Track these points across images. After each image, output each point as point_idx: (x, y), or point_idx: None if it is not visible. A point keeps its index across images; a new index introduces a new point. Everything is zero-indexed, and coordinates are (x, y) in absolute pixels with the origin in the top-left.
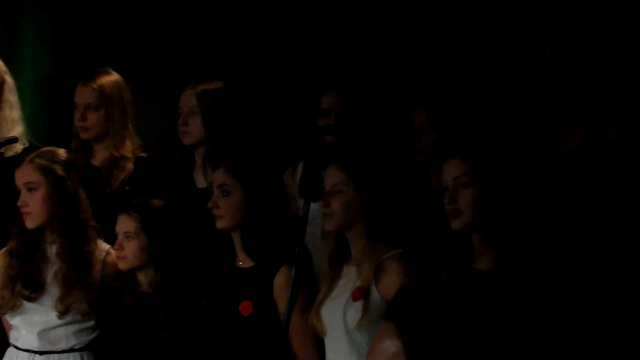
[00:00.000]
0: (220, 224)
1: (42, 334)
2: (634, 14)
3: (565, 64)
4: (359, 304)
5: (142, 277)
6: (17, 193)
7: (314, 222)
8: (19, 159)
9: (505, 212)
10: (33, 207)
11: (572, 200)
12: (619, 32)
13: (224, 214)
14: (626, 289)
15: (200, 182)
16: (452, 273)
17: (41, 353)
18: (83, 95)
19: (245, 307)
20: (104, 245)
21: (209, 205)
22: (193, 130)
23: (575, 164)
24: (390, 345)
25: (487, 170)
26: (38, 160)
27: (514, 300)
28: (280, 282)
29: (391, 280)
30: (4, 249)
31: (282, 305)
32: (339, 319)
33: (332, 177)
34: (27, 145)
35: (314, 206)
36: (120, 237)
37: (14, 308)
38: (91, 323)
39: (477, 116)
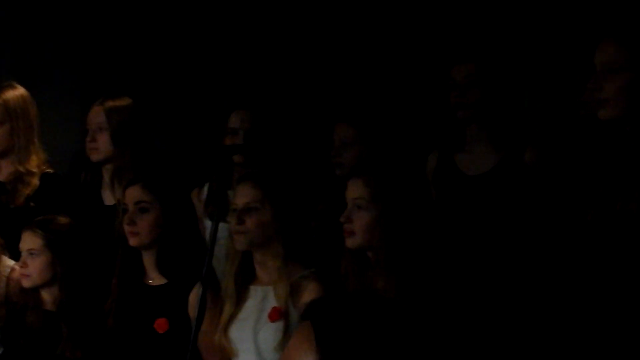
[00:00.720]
0: (135, 241)
1: None
2: (548, 36)
3: (480, 86)
4: (275, 325)
5: (46, 295)
6: None
7: (217, 242)
8: None
9: (399, 237)
10: None
11: (486, 222)
12: (532, 53)
13: (141, 230)
14: (531, 315)
15: (108, 200)
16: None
17: None
18: None
19: (160, 325)
20: (8, 262)
21: (125, 222)
22: (101, 146)
23: (490, 185)
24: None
25: (384, 196)
26: None
27: (409, 324)
28: (195, 299)
29: (309, 300)
30: None
31: None
32: (249, 340)
33: (246, 195)
34: None
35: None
36: (24, 255)
37: None
38: None
39: (387, 137)
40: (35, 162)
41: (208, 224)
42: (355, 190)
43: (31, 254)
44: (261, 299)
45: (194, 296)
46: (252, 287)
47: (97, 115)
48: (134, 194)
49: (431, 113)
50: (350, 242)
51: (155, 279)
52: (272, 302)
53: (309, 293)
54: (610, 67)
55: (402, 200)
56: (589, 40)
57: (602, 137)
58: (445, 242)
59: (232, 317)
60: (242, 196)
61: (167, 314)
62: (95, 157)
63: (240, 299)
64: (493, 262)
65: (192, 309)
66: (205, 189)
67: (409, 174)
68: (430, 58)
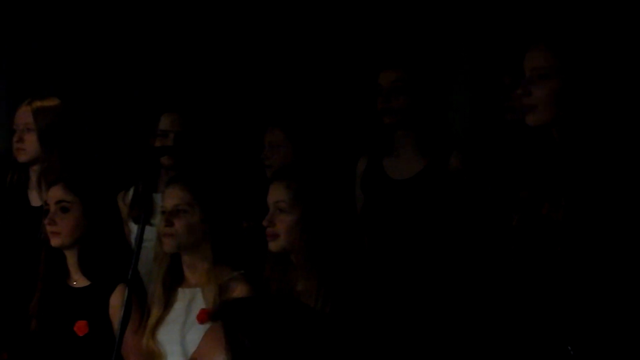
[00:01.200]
0: (56, 242)
1: None
2: (471, 42)
3: (406, 92)
4: (203, 327)
5: None
6: None
7: (142, 244)
8: None
9: (319, 240)
10: None
11: (410, 227)
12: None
13: (61, 231)
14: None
15: (35, 201)
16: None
17: None
18: None
19: (80, 327)
20: None
21: (46, 222)
22: (28, 147)
23: (414, 190)
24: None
25: (305, 199)
26: None
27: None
28: (116, 301)
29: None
30: None
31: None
32: (177, 342)
33: (175, 197)
34: None
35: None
36: None
37: None
38: None
39: (316, 140)
40: None
41: (133, 227)
42: (276, 194)
43: None
44: (189, 301)
45: (115, 299)
46: (180, 290)
47: (24, 116)
48: (55, 193)
49: (362, 117)
50: (273, 245)
51: (79, 281)
52: (200, 304)
53: (238, 294)
54: (539, 72)
55: (323, 204)
56: (515, 45)
57: (529, 142)
58: (368, 246)
59: (159, 320)
60: (170, 198)
61: (88, 316)
62: (22, 157)
63: (168, 302)
64: (414, 266)
65: (114, 312)
66: (131, 192)
67: (332, 178)
68: (361, 63)
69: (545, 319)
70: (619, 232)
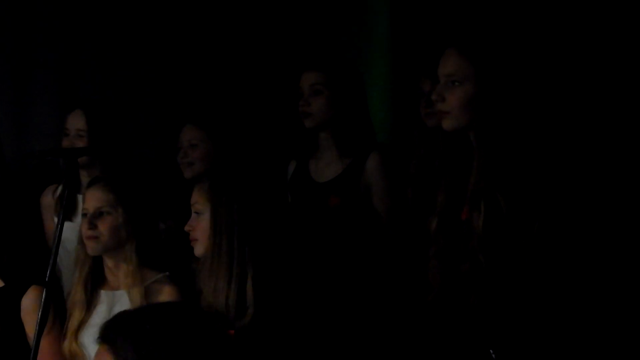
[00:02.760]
0: None
1: None
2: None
3: (325, 95)
4: None
5: None
6: None
7: (63, 244)
8: None
9: (232, 243)
10: None
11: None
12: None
13: None
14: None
15: None
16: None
17: None
18: None
19: None
20: None
21: None
22: None
23: (336, 192)
24: None
25: (215, 202)
26: None
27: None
28: (28, 303)
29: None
30: None
31: (29, 327)
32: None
33: (97, 199)
34: None
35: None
36: None
37: None
38: None
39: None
40: None
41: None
42: (193, 196)
43: None
44: (112, 303)
45: (26, 301)
46: (102, 292)
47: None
48: None
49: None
50: (195, 250)
51: None
52: (124, 306)
53: (164, 296)
54: (452, 78)
55: (235, 206)
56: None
57: (447, 146)
58: (294, 248)
59: (82, 323)
60: (92, 200)
61: (0, 317)
62: None
63: (90, 305)
64: (334, 269)
65: (25, 314)
66: (60, 188)
67: (253, 178)
68: (288, 64)
69: (465, 322)
70: (538, 234)
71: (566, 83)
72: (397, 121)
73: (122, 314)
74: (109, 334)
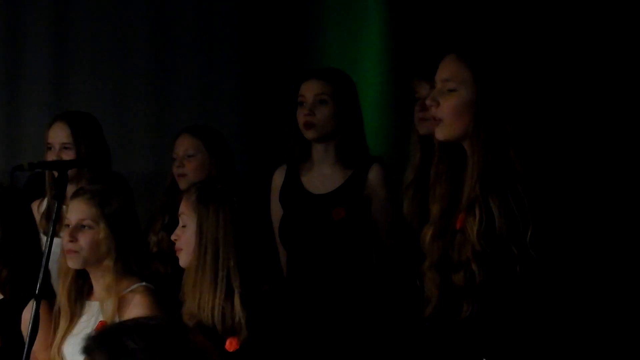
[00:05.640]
0: None
1: None
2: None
3: (330, 105)
4: None
5: None
6: None
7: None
8: None
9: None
10: None
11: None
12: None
13: None
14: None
15: None
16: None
17: None
18: None
19: None
20: None
21: None
22: None
23: (337, 204)
24: None
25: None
26: None
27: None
28: (28, 316)
29: (135, 313)
30: None
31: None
32: (81, 355)
33: (79, 212)
34: None
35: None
36: None
37: None
38: None
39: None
40: None
41: (44, 238)
42: (182, 207)
43: None
44: (95, 313)
45: (27, 313)
46: (87, 302)
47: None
48: None
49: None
50: (180, 261)
51: None
52: (100, 317)
53: (137, 307)
54: (448, 85)
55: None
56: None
57: (440, 154)
58: (287, 260)
59: (66, 333)
60: (75, 212)
61: (2, 330)
62: None
63: (74, 314)
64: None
65: (25, 326)
66: (45, 202)
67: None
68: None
69: (461, 332)
70: (535, 243)
71: (561, 89)
72: (393, 129)
73: (104, 329)
74: (90, 345)
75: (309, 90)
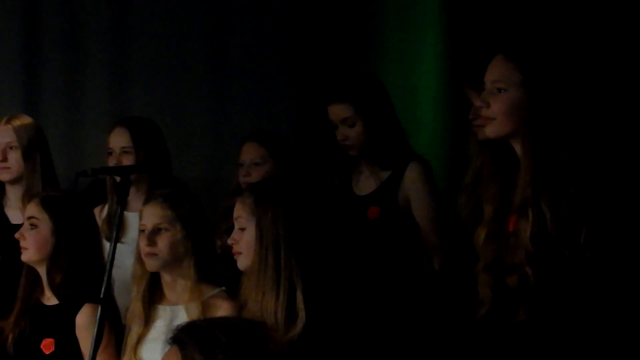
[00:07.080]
0: (24, 257)
1: None
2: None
3: (358, 125)
4: None
5: None
6: None
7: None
8: None
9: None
10: None
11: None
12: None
13: (29, 246)
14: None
15: (16, 218)
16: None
17: None
18: None
19: (47, 346)
20: None
21: (16, 236)
22: (13, 165)
23: (376, 203)
24: None
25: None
26: None
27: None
28: (83, 320)
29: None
30: None
31: (84, 344)
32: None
33: (155, 216)
34: None
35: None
36: None
37: None
38: None
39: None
40: None
41: (106, 245)
42: (236, 210)
43: None
44: (170, 318)
45: (80, 318)
46: (160, 307)
47: (6, 134)
48: (28, 209)
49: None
50: (239, 264)
51: (50, 299)
52: (182, 321)
53: (221, 311)
54: (497, 85)
55: (281, 221)
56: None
57: (491, 155)
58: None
59: (140, 338)
60: (150, 217)
61: (56, 335)
62: (6, 177)
63: (148, 320)
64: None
65: (79, 331)
66: (106, 208)
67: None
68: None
69: (516, 335)
70: (589, 245)
71: (614, 90)
72: (451, 131)
73: (195, 322)
74: (183, 336)
75: (334, 115)
